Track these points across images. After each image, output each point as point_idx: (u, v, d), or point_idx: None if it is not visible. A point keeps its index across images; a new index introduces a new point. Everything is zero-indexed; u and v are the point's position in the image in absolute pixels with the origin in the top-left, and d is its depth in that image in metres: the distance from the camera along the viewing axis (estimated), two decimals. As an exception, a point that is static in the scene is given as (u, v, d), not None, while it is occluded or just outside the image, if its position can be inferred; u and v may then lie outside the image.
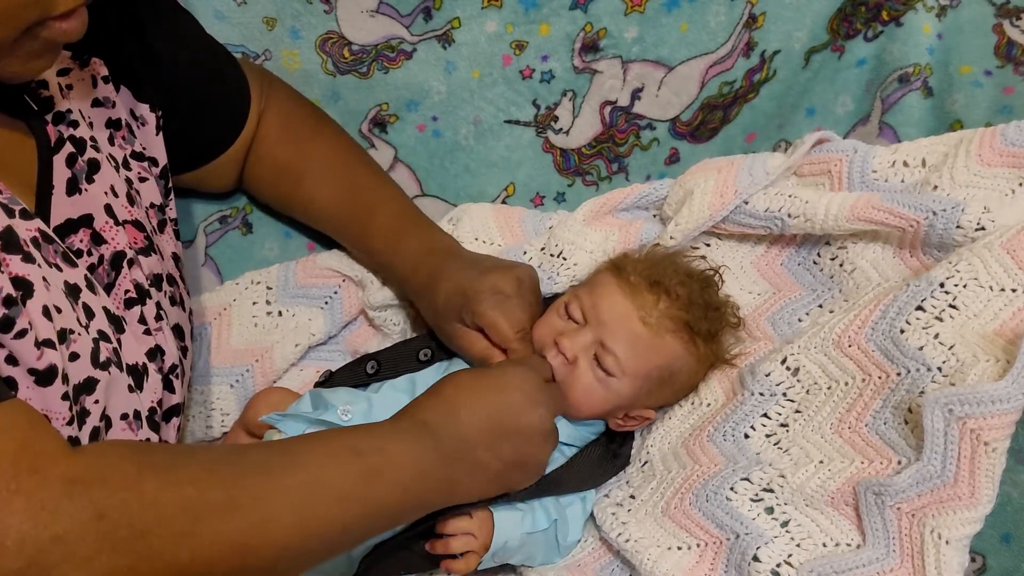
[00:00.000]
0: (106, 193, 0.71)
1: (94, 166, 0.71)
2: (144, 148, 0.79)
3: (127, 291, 0.70)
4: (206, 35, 0.87)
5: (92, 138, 0.72)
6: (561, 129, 1.00)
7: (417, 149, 1.00)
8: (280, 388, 0.94)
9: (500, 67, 0.96)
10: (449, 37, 0.94)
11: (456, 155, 1.00)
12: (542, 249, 0.93)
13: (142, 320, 0.70)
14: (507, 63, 0.95)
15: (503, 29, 0.93)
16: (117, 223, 0.71)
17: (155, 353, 0.70)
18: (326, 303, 0.96)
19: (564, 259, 0.92)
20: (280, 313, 0.96)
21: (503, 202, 1.02)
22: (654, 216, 0.96)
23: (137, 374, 0.67)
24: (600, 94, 0.98)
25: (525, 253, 0.93)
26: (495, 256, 0.92)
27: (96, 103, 0.75)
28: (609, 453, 0.86)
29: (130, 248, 0.71)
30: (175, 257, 0.81)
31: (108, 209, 0.71)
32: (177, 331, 0.76)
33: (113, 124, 0.76)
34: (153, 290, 0.73)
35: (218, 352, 0.95)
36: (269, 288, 0.97)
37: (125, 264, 0.71)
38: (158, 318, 0.72)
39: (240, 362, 0.94)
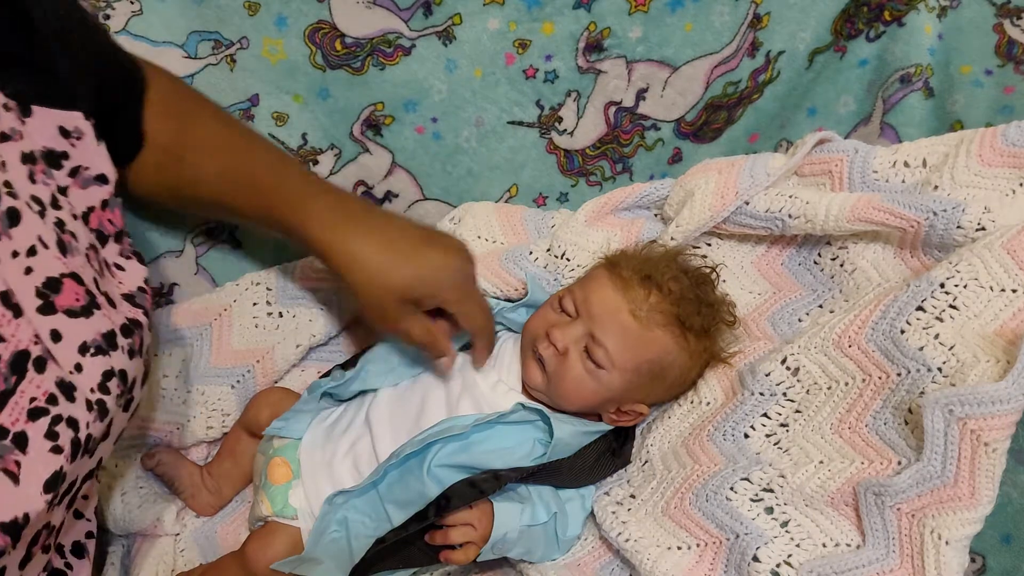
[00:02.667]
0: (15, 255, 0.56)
1: (14, 217, 0.56)
2: (88, 167, 0.64)
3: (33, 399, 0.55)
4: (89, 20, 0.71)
5: (6, 183, 0.57)
6: (565, 130, 0.99)
7: (416, 153, 0.97)
8: (281, 388, 0.95)
9: (503, 66, 0.93)
10: (450, 34, 0.90)
11: (458, 158, 0.98)
12: (548, 250, 0.94)
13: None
14: (510, 62, 0.93)
15: (505, 27, 0.91)
16: (16, 315, 0.55)
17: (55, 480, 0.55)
18: (326, 304, 0.97)
19: (568, 260, 0.92)
20: (280, 314, 0.96)
21: (504, 203, 1.02)
22: (655, 216, 0.96)
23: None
24: (604, 94, 0.97)
25: (531, 254, 0.93)
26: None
27: (3, 138, 0.58)
28: (609, 451, 0.86)
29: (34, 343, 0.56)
30: (131, 297, 0.66)
31: (3, 297, 0.55)
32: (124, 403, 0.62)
33: (28, 159, 0.59)
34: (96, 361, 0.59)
35: (219, 353, 0.95)
36: (269, 289, 0.97)
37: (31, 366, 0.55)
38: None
39: (241, 363, 0.94)
